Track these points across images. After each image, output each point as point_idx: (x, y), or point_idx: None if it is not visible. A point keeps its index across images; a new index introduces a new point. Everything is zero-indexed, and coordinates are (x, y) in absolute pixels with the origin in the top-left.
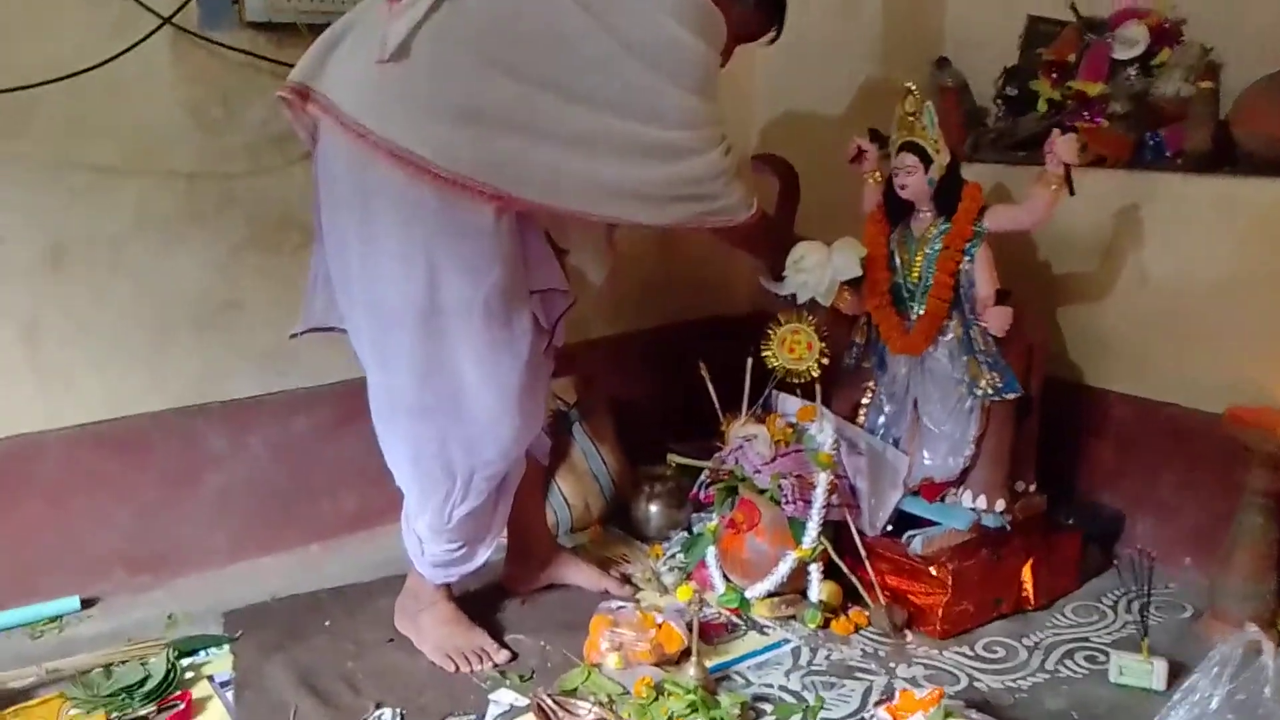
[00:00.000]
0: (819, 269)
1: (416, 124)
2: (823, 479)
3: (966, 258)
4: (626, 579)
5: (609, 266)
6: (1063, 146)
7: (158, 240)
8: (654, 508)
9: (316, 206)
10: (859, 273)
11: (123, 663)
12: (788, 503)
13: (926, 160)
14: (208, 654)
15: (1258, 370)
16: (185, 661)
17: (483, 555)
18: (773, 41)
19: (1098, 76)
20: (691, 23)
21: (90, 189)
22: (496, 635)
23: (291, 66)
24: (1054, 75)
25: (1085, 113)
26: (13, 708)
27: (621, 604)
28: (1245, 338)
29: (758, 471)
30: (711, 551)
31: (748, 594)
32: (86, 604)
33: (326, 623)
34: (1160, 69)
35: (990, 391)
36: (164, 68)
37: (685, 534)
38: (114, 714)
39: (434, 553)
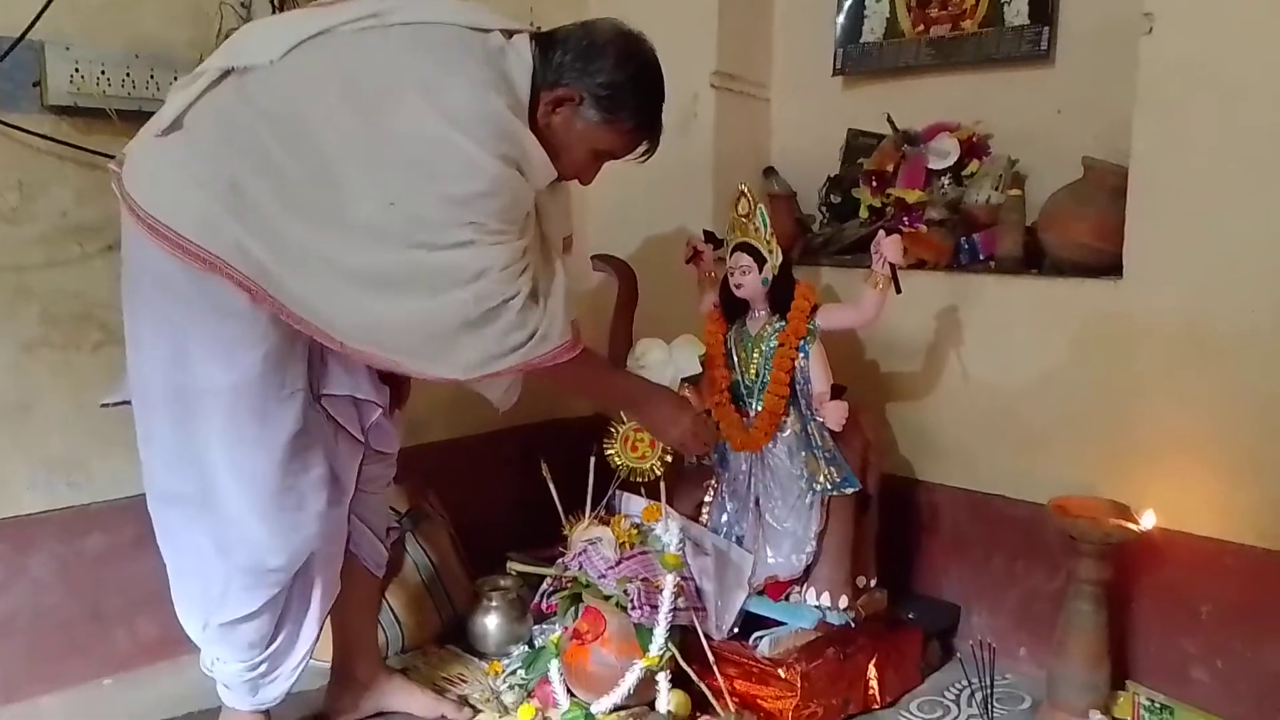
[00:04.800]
0: (660, 366)
1: (179, 198)
2: (669, 581)
3: (801, 354)
4: (464, 701)
5: (518, 391)
6: (888, 246)
7: None
8: (493, 621)
9: None
10: (699, 369)
11: None
12: (634, 608)
13: (760, 260)
14: None
15: (1077, 461)
16: None
17: (286, 680)
18: (645, 158)
19: (915, 185)
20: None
21: None
22: None
23: (98, 154)
24: (875, 184)
25: (905, 218)
26: None
27: None
28: (1064, 430)
29: (603, 576)
30: (555, 665)
31: (593, 709)
32: None
33: None
34: (971, 178)
35: (829, 486)
36: None
37: (526, 648)
38: None
39: (226, 673)
